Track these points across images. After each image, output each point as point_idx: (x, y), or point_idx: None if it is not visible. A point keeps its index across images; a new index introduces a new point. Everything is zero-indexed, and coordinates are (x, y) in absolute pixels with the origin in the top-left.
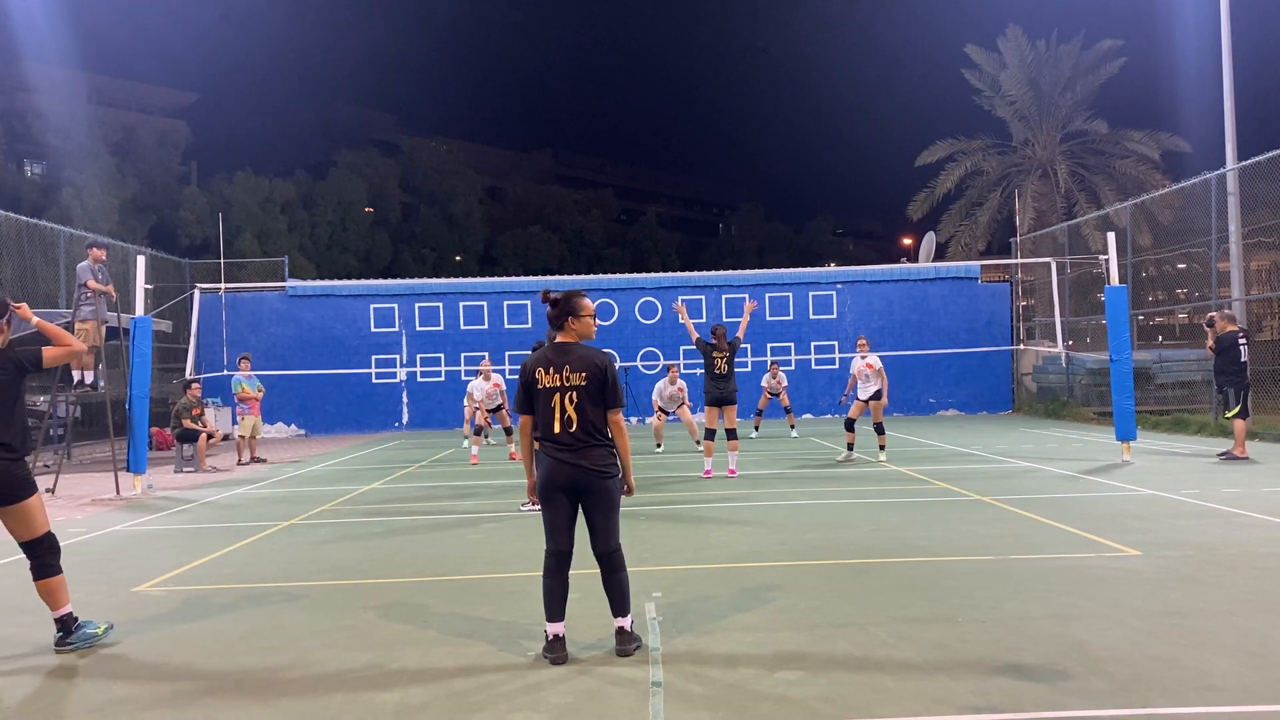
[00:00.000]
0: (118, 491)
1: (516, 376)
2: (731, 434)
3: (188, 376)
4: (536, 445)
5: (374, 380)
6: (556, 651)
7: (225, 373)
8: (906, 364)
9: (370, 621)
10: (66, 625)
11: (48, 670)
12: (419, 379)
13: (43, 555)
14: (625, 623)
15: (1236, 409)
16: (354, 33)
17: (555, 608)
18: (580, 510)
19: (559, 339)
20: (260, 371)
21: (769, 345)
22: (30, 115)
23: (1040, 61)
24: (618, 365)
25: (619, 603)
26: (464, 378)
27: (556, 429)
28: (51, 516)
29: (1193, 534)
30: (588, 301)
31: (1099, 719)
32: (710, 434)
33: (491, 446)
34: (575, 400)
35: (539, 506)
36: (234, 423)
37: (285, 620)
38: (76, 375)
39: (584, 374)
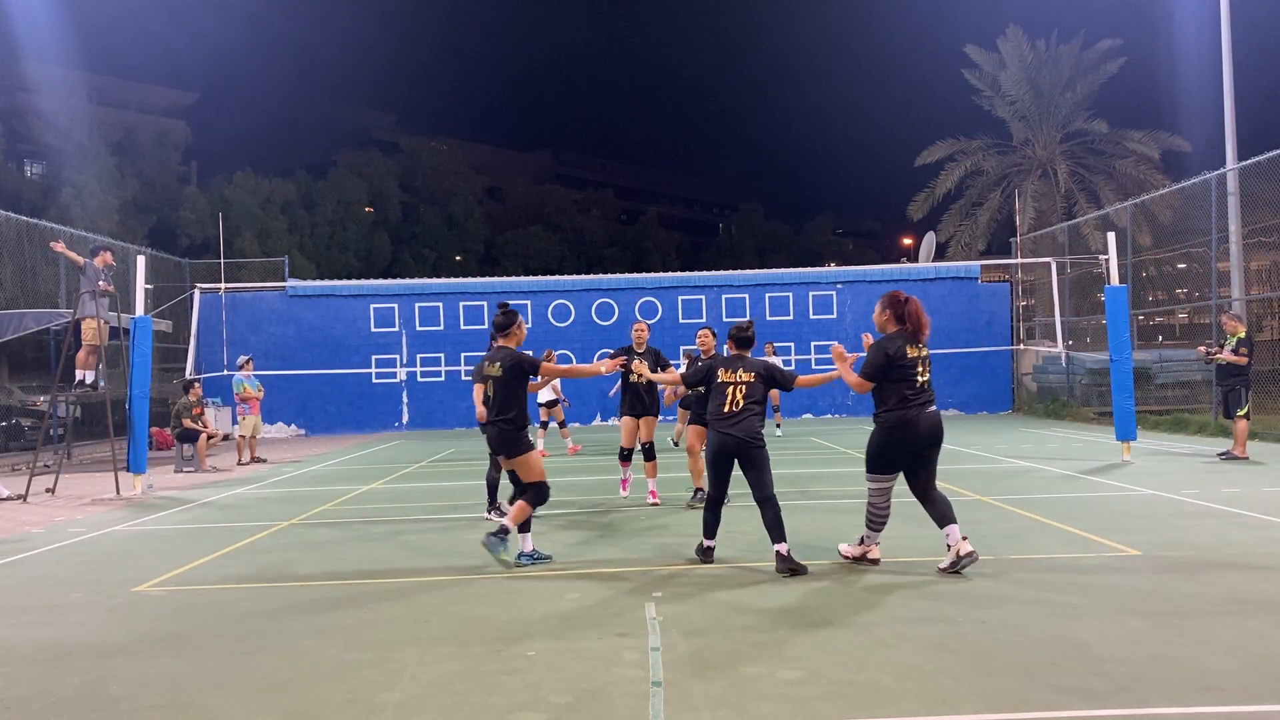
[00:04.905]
0: (118, 491)
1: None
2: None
3: (188, 376)
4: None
5: (374, 380)
6: (707, 554)
7: (225, 373)
8: None
9: (370, 621)
10: (504, 532)
11: (47, 671)
12: (419, 379)
13: (529, 492)
14: (783, 548)
15: (1247, 407)
16: (354, 33)
17: (711, 530)
18: (740, 470)
19: (733, 352)
20: (260, 371)
21: (767, 346)
22: (30, 115)
23: (1040, 61)
24: None
25: (777, 533)
26: (464, 378)
27: (726, 410)
28: (51, 516)
29: (1193, 534)
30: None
31: (1099, 719)
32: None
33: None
34: (744, 392)
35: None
36: (234, 423)
37: (285, 620)
38: (78, 375)
39: (754, 374)
